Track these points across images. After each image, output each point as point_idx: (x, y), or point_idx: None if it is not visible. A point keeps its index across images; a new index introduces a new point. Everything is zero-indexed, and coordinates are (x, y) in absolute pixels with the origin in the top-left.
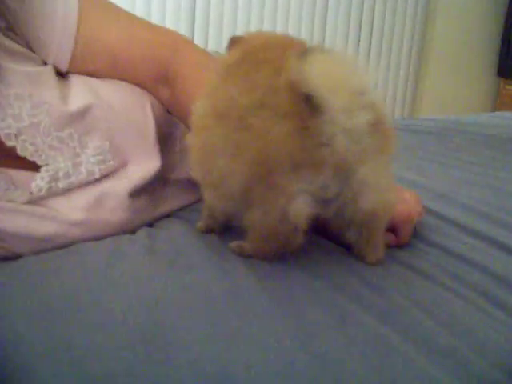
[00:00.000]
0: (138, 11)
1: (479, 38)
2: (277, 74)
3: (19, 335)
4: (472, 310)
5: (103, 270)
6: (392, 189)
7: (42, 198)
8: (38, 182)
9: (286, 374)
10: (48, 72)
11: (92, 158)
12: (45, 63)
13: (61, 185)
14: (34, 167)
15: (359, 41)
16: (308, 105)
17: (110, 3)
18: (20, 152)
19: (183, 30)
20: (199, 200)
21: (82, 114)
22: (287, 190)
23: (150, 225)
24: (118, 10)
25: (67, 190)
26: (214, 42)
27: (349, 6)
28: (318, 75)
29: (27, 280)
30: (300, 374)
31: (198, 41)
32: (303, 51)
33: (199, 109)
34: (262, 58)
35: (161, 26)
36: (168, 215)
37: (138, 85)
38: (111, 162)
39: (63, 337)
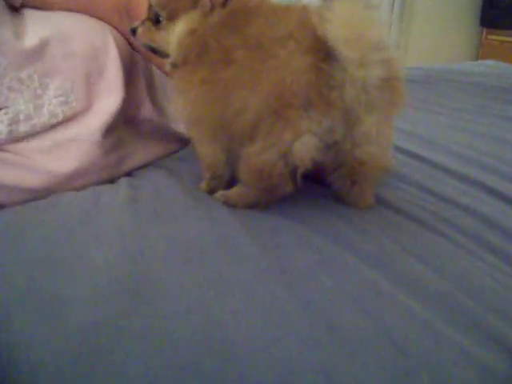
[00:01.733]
0: None
1: None
2: (305, 12)
3: (1, 295)
4: (464, 254)
5: (85, 222)
6: (390, 145)
7: (6, 143)
8: None
9: (278, 322)
10: None
11: (54, 99)
12: None
13: (22, 128)
14: None
15: None
16: (328, 47)
17: None
18: None
19: None
20: (178, 149)
21: (40, 50)
22: (297, 126)
23: (130, 174)
24: None
25: (30, 135)
26: None
27: None
28: (337, 25)
29: (6, 233)
30: (292, 322)
31: None
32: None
33: (226, 41)
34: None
35: None
36: (147, 164)
37: (97, 17)
38: (74, 104)
39: (44, 290)
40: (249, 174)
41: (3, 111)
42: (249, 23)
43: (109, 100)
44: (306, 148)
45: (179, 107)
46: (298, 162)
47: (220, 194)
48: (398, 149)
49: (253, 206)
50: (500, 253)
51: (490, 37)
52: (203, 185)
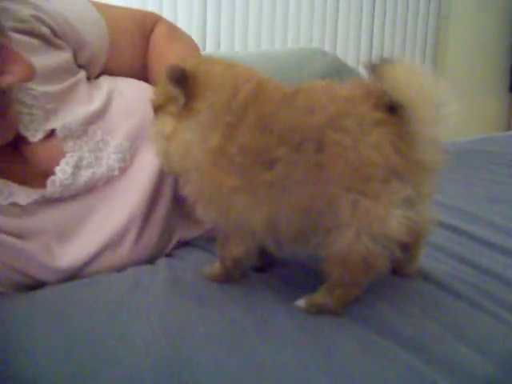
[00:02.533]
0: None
1: (490, 55)
2: (330, 91)
3: (41, 369)
4: (510, 332)
5: (125, 302)
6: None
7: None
8: (63, 166)
9: None
10: (79, 82)
11: (113, 155)
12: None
13: (83, 173)
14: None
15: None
16: (396, 113)
17: None
18: (59, 132)
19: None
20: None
21: (104, 110)
22: (385, 199)
23: (168, 255)
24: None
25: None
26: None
27: (358, 31)
28: (406, 86)
29: (49, 311)
30: None
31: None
32: (375, 62)
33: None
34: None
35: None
36: (185, 243)
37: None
38: (128, 163)
39: (86, 371)
40: (347, 273)
41: (70, 154)
42: (271, 118)
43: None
44: (398, 221)
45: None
46: (396, 238)
47: (306, 302)
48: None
49: (355, 297)
50: None
51: None
52: (214, 270)
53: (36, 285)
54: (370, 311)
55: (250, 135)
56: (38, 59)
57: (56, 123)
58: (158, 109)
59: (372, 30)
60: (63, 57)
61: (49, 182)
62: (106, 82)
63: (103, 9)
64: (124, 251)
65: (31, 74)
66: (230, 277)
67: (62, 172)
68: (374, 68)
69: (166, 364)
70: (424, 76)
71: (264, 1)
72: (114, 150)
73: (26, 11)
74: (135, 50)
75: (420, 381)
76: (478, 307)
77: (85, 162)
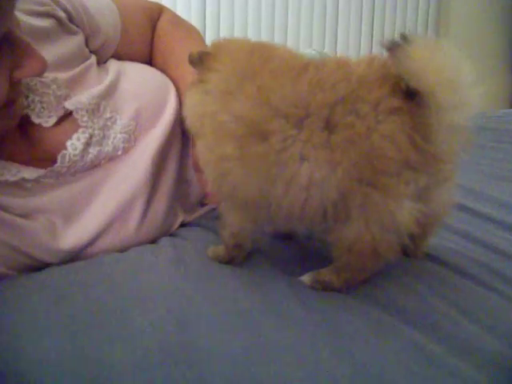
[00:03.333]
0: None
1: (492, 35)
2: (343, 68)
3: (43, 354)
4: None
5: (128, 283)
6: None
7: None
8: (74, 141)
9: None
10: (90, 67)
11: (119, 134)
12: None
13: (91, 150)
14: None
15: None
16: (413, 99)
17: None
18: (68, 105)
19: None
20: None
21: (113, 87)
22: (396, 192)
23: (171, 234)
24: None
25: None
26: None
27: (358, 35)
28: (424, 69)
29: (51, 294)
30: None
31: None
32: (392, 42)
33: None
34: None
35: None
36: (187, 224)
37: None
38: (133, 143)
39: (91, 354)
40: (355, 260)
41: (82, 130)
42: (273, 86)
43: (156, 139)
44: (411, 211)
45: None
46: (406, 231)
47: (311, 278)
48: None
49: (360, 281)
50: None
51: None
52: (219, 251)
53: (40, 266)
54: (376, 289)
55: (246, 104)
56: (51, 47)
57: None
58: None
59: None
60: (76, 42)
61: (59, 156)
62: (113, 65)
63: None
64: (129, 229)
65: (44, 68)
66: (233, 258)
67: (73, 147)
68: (391, 48)
69: (172, 346)
70: (446, 56)
71: (262, 2)
72: (120, 130)
73: None
74: (144, 39)
75: (428, 358)
76: (484, 285)
77: (94, 140)
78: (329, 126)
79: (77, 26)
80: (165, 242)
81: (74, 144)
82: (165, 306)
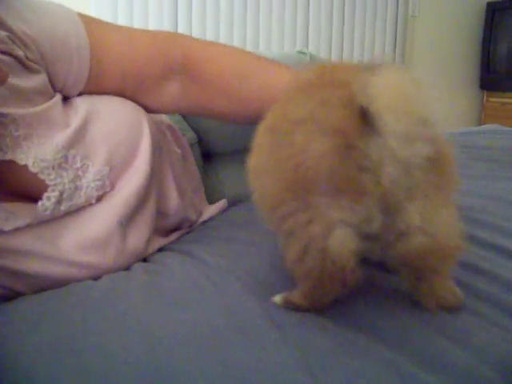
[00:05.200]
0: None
1: (460, 53)
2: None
3: (16, 380)
4: (487, 325)
5: (101, 310)
6: (453, 228)
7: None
8: (45, 201)
9: None
10: (54, 106)
11: (92, 183)
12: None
13: (62, 207)
14: (30, 200)
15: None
16: (361, 122)
17: (105, 21)
18: (31, 168)
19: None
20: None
21: (82, 130)
22: (325, 217)
23: (145, 259)
24: (112, 24)
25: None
26: None
27: (329, 36)
28: (384, 91)
29: (23, 324)
30: None
31: None
32: (372, 65)
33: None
34: (327, 79)
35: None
36: (161, 249)
37: (143, 92)
38: (108, 189)
39: (65, 382)
40: (307, 283)
41: (51, 188)
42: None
43: (133, 179)
44: (342, 240)
45: None
46: (337, 259)
47: (280, 298)
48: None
49: (322, 305)
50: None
51: (490, 99)
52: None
53: (12, 296)
54: (350, 310)
55: (279, 110)
56: (11, 79)
57: (30, 153)
58: None
59: (342, 31)
60: (38, 80)
61: (31, 214)
62: (84, 103)
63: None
64: (102, 266)
65: (5, 77)
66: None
67: (44, 207)
68: (371, 69)
69: (146, 370)
70: (413, 88)
71: (248, 4)
72: (93, 178)
73: (1, 32)
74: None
75: (402, 376)
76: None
77: (65, 195)
78: (284, 143)
79: (37, 65)
80: (138, 267)
81: (44, 204)
82: (138, 332)
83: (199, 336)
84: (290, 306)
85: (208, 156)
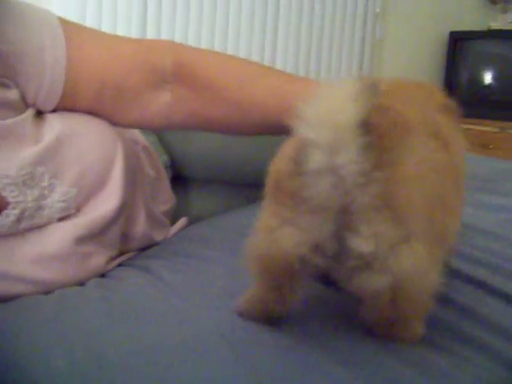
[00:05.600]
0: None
1: (423, 79)
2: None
3: None
4: (442, 351)
5: (51, 325)
6: (422, 271)
7: None
8: (3, 218)
9: None
10: (24, 120)
11: (57, 204)
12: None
13: (22, 225)
14: None
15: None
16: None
17: (88, 28)
18: None
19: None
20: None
21: (54, 149)
22: (283, 211)
23: (102, 274)
24: (93, 30)
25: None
26: None
27: (298, 35)
28: (308, 109)
29: None
30: None
31: None
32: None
33: None
34: None
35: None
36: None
37: (125, 107)
38: (72, 211)
39: None
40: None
41: (12, 205)
42: None
43: (102, 206)
44: (289, 240)
45: None
46: (283, 255)
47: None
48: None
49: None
50: (483, 347)
51: None
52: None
53: None
54: (304, 328)
55: None
56: None
57: None
58: None
59: (309, 50)
60: (8, 94)
61: None
62: (58, 121)
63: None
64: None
65: None
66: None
67: (1, 224)
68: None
69: None
70: (335, 99)
71: (204, 11)
72: (58, 198)
73: None
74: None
75: None
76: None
77: (26, 214)
78: None
79: (7, 79)
80: (92, 282)
81: (1, 222)
82: (84, 345)
83: (149, 352)
84: (244, 312)
85: (178, 179)
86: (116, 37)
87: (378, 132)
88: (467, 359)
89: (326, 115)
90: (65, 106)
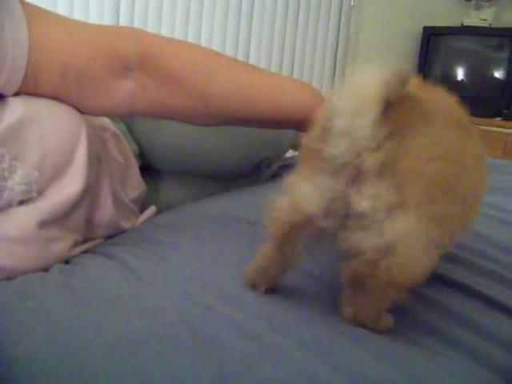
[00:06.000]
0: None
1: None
2: None
3: None
4: (403, 338)
5: (10, 311)
6: (415, 233)
7: None
8: None
9: None
10: None
11: (18, 186)
12: None
13: None
14: None
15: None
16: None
17: (51, 12)
18: None
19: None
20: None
21: (16, 130)
22: (303, 171)
23: (66, 261)
24: (56, 15)
25: None
26: None
27: (272, 29)
28: (342, 86)
29: None
30: None
31: None
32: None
33: None
34: None
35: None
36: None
37: (88, 91)
38: (34, 194)
39: None
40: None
41: None
42: None
43: (64, 190)
44: (304, 195)
45: None
46: (297, 209)
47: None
48: None
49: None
50: (441, 334)
51: None
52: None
53: None
54: (271, 314)
55: None
56: None
57: None
58: None
59: (283, 43)
60: None
61: None
62: (20, 103)
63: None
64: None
65: None
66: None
67: None
68: None
69: (50, 375)
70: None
71: (178, 7)
72: (19, 181)
73: None
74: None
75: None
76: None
77: None
78: None
79: None
80: (55, 268)
81: None
82: (44, 334)
83: (111, 340)
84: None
85: (147, 170)
86: (80, 22)
87: (397, 109)
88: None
89: (355, 88)
90: (27, 90)
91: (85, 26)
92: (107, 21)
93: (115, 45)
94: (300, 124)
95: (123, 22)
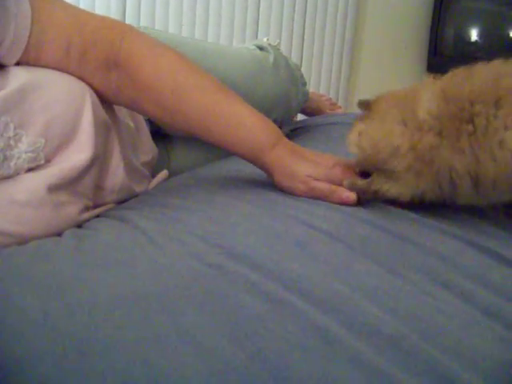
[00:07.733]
0: None
1: (409, 35)
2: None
3: None
4: (417, 292)
5: (23, 273)
6: None
7: None
8: None
9: (222, 375)
10: None
11: (24, 154)
12: None
13: None
14: None
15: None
16: None
17: None
18: None
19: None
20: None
21: (19, 97)
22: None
23: (79, 226)
24: (60, 1)
25: None
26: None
27: (280, 20)
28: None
29: None
30: (237, 373)
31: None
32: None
33: None
34: None
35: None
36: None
37: (86, 71)
38: (42, 162)
39: None
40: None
41: None
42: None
43: (72, 156)
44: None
45: None
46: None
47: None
48: None
49: None
50: (454, 288)
51: None
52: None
53: None
54: (283, 270)
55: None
56: None
57: None
58: None
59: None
60: None
61: None
62: (23, 71)
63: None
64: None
65: None
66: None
67: None
68: None
69: (64, 335)
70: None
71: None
72: (26, 149)
73: None
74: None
75: (329, 341)
76: (386, 269)
77: None
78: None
79: None
80: (68, 233)
81: None
82: (59, 295)
83: (123, 301)
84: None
85: (158, 134)
86: (81, 9)
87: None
88: None
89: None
90: (28, 60)
91: (85, 12)
92: (113, 16)
93: (110, 36)
94: (253, 163)
95: (129, 18)
